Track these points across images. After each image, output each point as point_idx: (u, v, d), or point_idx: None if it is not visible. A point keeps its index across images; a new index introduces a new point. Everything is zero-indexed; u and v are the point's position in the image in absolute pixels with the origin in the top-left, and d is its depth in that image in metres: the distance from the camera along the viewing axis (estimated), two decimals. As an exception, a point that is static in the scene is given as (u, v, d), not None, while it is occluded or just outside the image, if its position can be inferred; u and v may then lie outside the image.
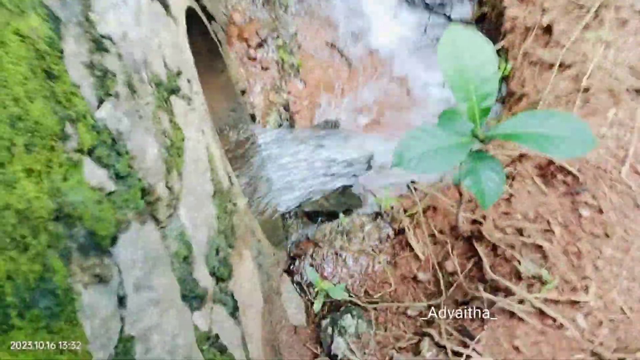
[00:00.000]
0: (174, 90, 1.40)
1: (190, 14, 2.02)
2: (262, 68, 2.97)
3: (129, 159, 1.03)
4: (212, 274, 1.35)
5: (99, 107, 0.99)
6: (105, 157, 0.97)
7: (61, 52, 0.91)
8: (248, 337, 1.50)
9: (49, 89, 0.85)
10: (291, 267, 2.59)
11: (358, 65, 3.09)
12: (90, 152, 0.93)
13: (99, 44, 1.03)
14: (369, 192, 2.87)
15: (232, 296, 1.45)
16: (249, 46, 2.91)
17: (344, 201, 2.88)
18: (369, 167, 2.84)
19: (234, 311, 1.43)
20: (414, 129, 1.58)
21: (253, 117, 2.85)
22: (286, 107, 2.96)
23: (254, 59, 2.93)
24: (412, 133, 1.61)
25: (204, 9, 2.39)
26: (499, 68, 2.59)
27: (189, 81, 1.59)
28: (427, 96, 3.02)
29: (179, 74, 1.50)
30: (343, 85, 3.07)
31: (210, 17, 2.43)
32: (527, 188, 2.04)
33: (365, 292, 2.37)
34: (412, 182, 2.77)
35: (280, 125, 2.93)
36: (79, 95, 0.92)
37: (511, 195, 2.09)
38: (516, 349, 1.78)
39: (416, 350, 2.01)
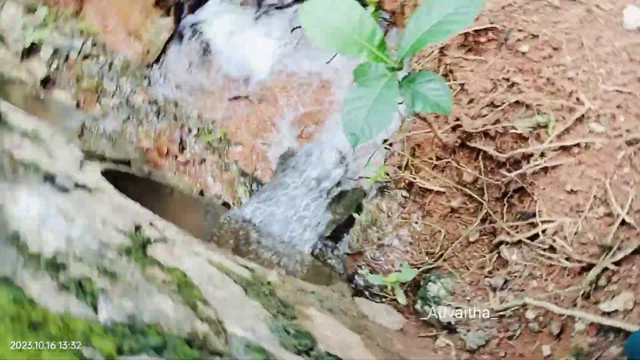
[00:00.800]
0: (145, 244, 1.41)
1: (109, 173, 2.05)
2: (200, 162, 3.00)
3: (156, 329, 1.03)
4: (298, 352, 1.35)
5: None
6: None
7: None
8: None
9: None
10: (356, 287, 2.58)
11: (268, 97, 3.13)
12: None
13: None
14: (361, 179, 2.88)
15: (329, 354, 1.45)
16: (175, 156, 2.95)
17: (349, 203, 2.88)
18: (346, 161, 2.85)
19: (340, 363, 1.43)
20: (344, 106, 1.60)
21: (227, 204, 2.87)
22: (244, 174, 2.98)
23: (187, 162, 2.96)
24: (345, 109, 1.61)
25: (116, 161, 2.42)
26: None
27: (151, 224, 1.61)
28: (334, 79, 3.06)
29: (137, 227, 1.51)
30: (270, 120, 3.11)
31: (123, 162, 2.46)
32: (468, 69, 2.07)
33: (427, 253, 2.37)
34: (384, 141, 2.79)
35: (252, 192, 2.94)
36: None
37: (461, 85, 2.12)
38: (571, 191, 1.79)
39: (502, 263, 2.01)
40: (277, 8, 3.33)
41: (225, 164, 3.11)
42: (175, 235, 1.66)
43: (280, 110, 3.22)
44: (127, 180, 2.48)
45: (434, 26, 1.53)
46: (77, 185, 1.51)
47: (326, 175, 3.00)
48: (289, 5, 3.28)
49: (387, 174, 2.59)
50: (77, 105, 3.07)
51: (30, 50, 3.16)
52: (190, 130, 3.16)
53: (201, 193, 2.88)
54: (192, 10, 3.30)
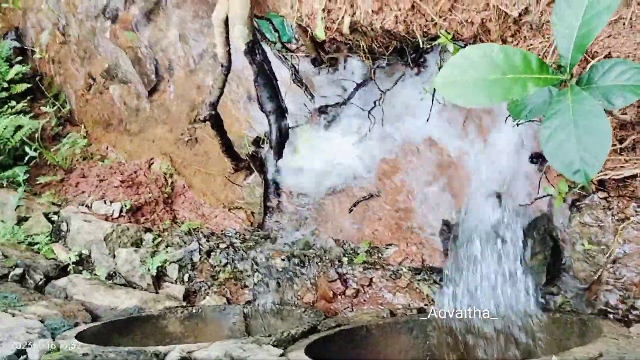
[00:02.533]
0: None
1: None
2: (368, 284, 2.99)
3: None
4: None
5: None
6: None
7: None
8: None
9: None
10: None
11: (386, 187, 2.98)
12: None
13: None
14: (527, 206, 2.55)
15: None
16: (343, 293, 2.94)
17: (540, 237, 2.63)
18: (503, 200, 2.70)
19: None
20: (545, 151, 1.36)
21: (422, 310, 2.64)
22: (415, 270, 2.77)
23: (358, 291, 2.92)
24: (549, 153, 1.36)
25: (305, 333, 2.24)
26: None
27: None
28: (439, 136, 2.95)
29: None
30: (404, 205, 3.02)
31: (311, 330, 2.35)
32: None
33: None
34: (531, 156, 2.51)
35: (436, 282, 2.67)
36: None
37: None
38: None
39: None
40: (340, 105, 3.20)
41: (394, 272, 2.93)
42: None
43: (407, 192, 3.05)
44: (331, 345, 2.25)
45: (586, 19, 1.36)
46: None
47: (497, 222, 2.73)
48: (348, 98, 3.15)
49: (571, 186, 2.27)
50: (228, 301, 3.05)
51: (159, 277, 3.15)
52: (340, 261, 3.00)
53: (391, 314, 2.62)
54: (278, 155, 3.18)
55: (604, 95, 1.43)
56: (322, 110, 3.17)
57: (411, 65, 2.67)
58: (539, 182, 2.49)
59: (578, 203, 2.41)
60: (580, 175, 1.33)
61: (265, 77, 2.73)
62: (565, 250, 2.54)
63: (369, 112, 2.94)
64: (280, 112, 2.89)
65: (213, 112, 2.91)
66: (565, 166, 1.33)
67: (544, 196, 2.52)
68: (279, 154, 3.07)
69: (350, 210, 3.14)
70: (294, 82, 2.96)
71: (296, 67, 2.96)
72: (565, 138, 1.33)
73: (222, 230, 3.34)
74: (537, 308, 2.47)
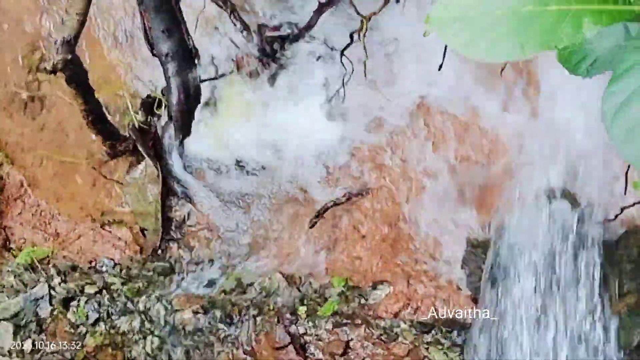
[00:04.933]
0: None
1: None
2: (343, 352, 2.16)
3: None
4: None
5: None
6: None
7: None
8: None
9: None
10: None
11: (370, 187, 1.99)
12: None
13: None
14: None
15: None
16: None
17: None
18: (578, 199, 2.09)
19: None
20: (608, 125, 0.78)
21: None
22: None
23: None
24: (614, 129, 0.77)
25: None
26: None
27: None
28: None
29: None
30: (399, 215, 2.04)
31: None
32: None
33: None
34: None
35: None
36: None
37: None
38: None
39: None
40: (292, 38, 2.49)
41: (386, 331, 2.19)
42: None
43: (407, 191, 2.30)
44: None
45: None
46: None
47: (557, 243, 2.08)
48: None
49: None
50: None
51: None
52: (294, 312, 2.29)
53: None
54: (182, 130, 2.41)
55: None
56: (262, 49, 2.43)
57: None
58: (626, 175, 1.93)
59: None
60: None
61: (157, -4, 2.53)
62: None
63: (342, 52, 2.38)
64: (185, 56, 2.28)
65: (69, 57, 2.23)
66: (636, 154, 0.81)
67: (636, 203, 2.03)
68: (183, 130, 2.42)
69: (313, 224, 2.48)
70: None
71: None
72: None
73: (90, 262, 2.63)
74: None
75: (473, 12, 0.86)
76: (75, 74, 2.31)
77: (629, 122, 0.81)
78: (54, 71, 2.28)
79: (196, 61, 2.38)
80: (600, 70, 1.11)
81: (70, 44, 2.23)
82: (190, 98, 2.40)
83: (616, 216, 2.08)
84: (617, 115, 0.84)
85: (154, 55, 2.35)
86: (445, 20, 0.85)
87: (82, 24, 2.24)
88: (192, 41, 2.39)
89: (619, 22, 0.91)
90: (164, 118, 2.62)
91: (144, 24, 2.26)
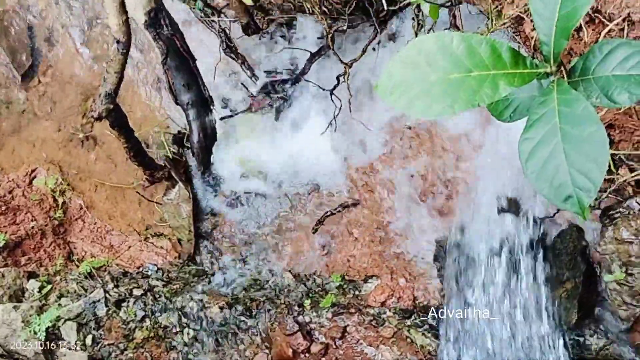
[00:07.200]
0: None
1: None
2: (341, 336, 2.43)
3: None
4: None
5: None
6: None
7: None
8: None
9: None
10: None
11: (363, 197, 2.59)
12: None
13: None
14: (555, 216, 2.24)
15: None
16: (307, 350, 2.42)
17: (568, 255, 2.19)
18: (521, 206, 2.29)
19: None
20: (525, 167, 1.02)
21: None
22: (405, 312, 2.37)
23: (327, 345, 2.42)
24: (530, 171, 1.02)
25: None
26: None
27: None
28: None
29: None
30: (381, 219, 2.64)
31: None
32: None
33: None
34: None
35: (432, 330, 2.22)
36: None
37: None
38: None
39: None
40: (282, 99, 2.78)
41: (375, 317, 2.45)
42: None
43: (390, 201, 2.58)
44: None
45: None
46: None
47: (510, 238, 2.30)
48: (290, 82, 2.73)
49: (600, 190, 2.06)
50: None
51: (52, 341, 2.62)
52: (301, 305, 2.57)
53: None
54: (202, 163, 2.71)
55: (603, 89, 1.12)
56: (266, 90, 2.73)
57: (377, 27, 2.39)
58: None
59: (611, 212, 2.12)
60: (573, 202, 1.04)
61: (178, 58, 2.39)
62: (602, 275, 2.24)
63: (331, 92, 2.59)
64: (202, 104, 2.50)
65: (111, 106, 2.47)
66: (554, 191, 1.06)
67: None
68: (203, 163, 2.69)
69: (315, 230, 2.74)
70: (224, 53, 2.61)
71: (227, 32, 2.64)
72: (551, 154, 1.07)
73: (138, 268, 2.91)
74: (566, 358, 2.22)
75: (411, 79, 1.00)
76: (117, 119, 2.51)
77: (539, 163, 1.00)
78: (99, 118, 2.46)
79: (211, 108, 2.54)
80: (521, 116, 1.27)
81: (111, 96, 2.41)
82: (208, 137, 2.60)
83: (554, 214, 2.26)
84: (530, 157, 1.02)
85: (177, 104, 2.52)
86: (390, 87, 1.01)
87: (120, 79, 2.42)
88: (208, 91, 2.53)
89: (525, 84, 1.06)
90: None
91: (168, 80, 2.45)
